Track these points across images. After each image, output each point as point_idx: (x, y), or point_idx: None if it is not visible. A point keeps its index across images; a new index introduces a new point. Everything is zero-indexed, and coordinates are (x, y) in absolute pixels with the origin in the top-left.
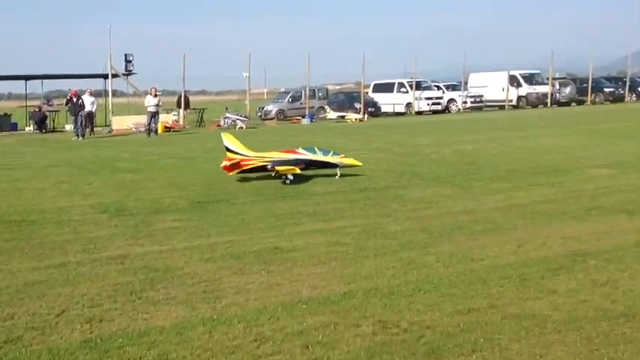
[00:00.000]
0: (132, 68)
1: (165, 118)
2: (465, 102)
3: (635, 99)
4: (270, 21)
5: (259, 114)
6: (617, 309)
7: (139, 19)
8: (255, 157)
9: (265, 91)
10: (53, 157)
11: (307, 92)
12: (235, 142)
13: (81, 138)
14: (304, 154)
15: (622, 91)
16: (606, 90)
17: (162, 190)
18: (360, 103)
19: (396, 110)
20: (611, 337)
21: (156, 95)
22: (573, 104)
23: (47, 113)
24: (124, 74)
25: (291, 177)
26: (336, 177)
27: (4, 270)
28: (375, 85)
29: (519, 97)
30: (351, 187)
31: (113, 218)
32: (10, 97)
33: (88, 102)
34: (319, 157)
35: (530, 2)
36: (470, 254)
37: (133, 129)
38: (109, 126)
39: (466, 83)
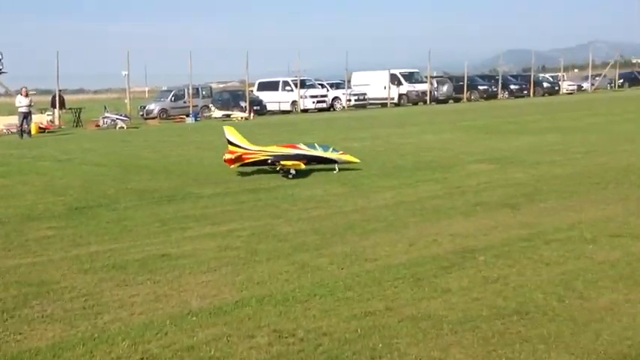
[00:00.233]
0: (1, 67)
1: (39, 119)
2: (349, 100)
3: (507, 96)
4: (151, 18)
5: (141, 113)
6: (509, 306)
7: (6, 11)
8: (257, 151)
9: (147, 89)
10: None
11: (190, 91)
12: (237, 136)
13: None
14: (305, 150)
15: (495, 89)
16: (481, 88)
17: (36, 196)
18: (246, 101)
19: (281, 108)
20: (506, 336)
21: (27, 95)
22: (451, 101)
23: None
24: None
25: (293, 172)
26: (335, 172)
27: None
28: (259, 83)
29: (400, 95)
30: (240, 188)
31: None
32: None
33: None
34: (319, 152)
35: (407, 3)
36: (363, 254)
37: (5, 131)
38: None
39: (349, 82)
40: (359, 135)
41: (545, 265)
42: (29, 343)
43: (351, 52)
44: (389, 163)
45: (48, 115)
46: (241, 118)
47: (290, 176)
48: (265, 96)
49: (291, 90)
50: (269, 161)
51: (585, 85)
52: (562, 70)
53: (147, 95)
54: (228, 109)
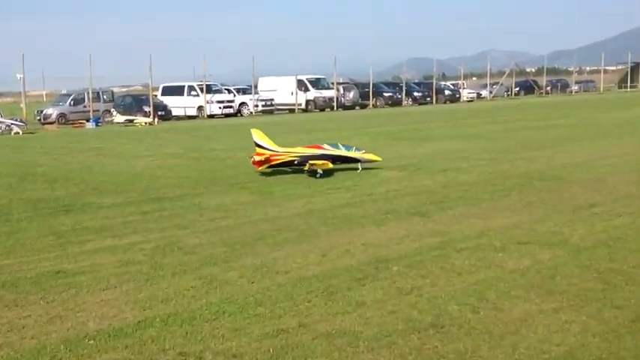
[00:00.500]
0: None
1: None
2: (257, 105)
3: (411, 103)
4: (49, 19)
5: (38, 118)
6: (425, 319)
7: None
8: (283, 153)
9: (44, 93)
10: None
11: (91, 94)
12: (264, 138)
13: None
14: (329, 150)
15: (400, 96)
16: (386, 94)
17: None
18: (149, 106)
19: (187, 114)
20: (423, 352)
21: None
22: (357, 108)
23: None
24: None
25: (320, 171)
26: (358, 171)
27: None
28: (164, 87)
29: (308, 101)
30: (144, 197)
31: None
32: None
33: None
34: (343, 152)
35: (314, 10)
36: (274, 267)
37: None
38: None
39: (256, 87)
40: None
41: (458, 275)
42: None
43: (258, 58)
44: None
45: None
46: (145, 123)
47: (317, 175)
48: (170, 101)
49: (197, 95)
50: (296, 162)
51: (484, 92)
52: (462, 78)
53: (45, 99)
54: (131, 114)
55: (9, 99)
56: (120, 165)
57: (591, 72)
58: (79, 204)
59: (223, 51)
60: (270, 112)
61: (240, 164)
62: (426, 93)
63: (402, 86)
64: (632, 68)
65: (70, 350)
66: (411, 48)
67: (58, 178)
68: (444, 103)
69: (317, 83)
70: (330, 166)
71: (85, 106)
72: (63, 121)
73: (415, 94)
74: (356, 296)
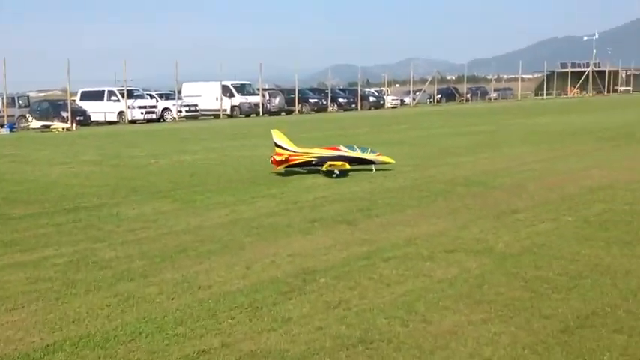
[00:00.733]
0: None
1: None
2: (180, 111)
3: (336, 109)
4: None
5: None
6: (354, 335)
7: None
8: (302, 153)
9: None
10: None
11: (5, 99)
12: (284, 139)
13: None
14: (345, 152)
15: (325, 102)
16: (311, 100)
17: None
18: (67, 111)
19: (107, 119)
20: None
21: None
22: (283, 114)
23: None
24: None
25: (337, 172)
26: (372, 172)
27: None
28: (82, 92)
29: (233, 107)
30: (58, 207)
31: None
32: None
33: None
34: (359, 154)
35: (240, 15)
36: (196, 281)
37: None
38: None
39: (180, 92)
40: (191, 147)
41: (387, 286)
42: None
43: (181, 63)
44: (223, 178)
45: None
46: (62, 129)
47: (334, 176)
48: (89, 106)
49: (118, 100)
50: (313, 162)
51: (407, 99)
52: (386, 84)
53: None
54: (47, 120)
55: None
56: (34, 173)
57: (509, 80)
58: None
59: (146, 55)
60: (195, 117)
61: (162, 171)
62: (351, 99)
63: (327, 92)
64: (547, 76)
65: None
66: (336, 55)
67: None
68: (369, 109)
69: (242, 89)
70: (348, 167)
71: None
72: None
73: (340, 100)
74: (282, 311)
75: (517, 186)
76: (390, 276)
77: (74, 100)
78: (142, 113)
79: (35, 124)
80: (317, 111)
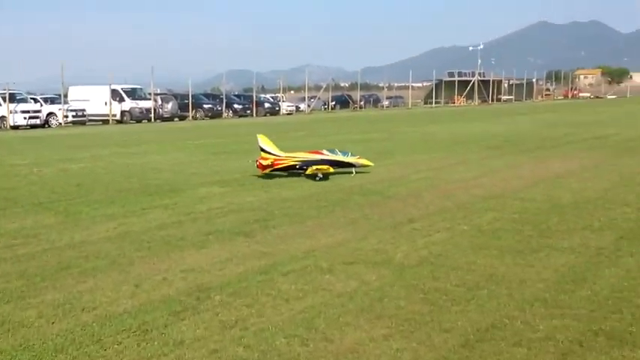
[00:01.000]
0: None
1: None
2: (67, 116)
3: (231, 115)
4: None
5: None
6: (251, 357)
7: None
8: (286, 157)
9: None
10: None
11: None
12: (269, 144)
13: None
14: (328, 155)
15: (220, 108)
16: (206, 106)
17: None
18: None
19: None
20: None
21: None
22: (176, 119)
23: None
24: None
25: (320, 175)
26: (352, 175)
27: None
28: None
29: (123, 112)
30: None
31: None
32: None
33: None
34: (340, 157)
35: (133, 18)
36: (80, 303)
37: None
38: None
39: (66, 96)
40: (77, 155)
41: (285, 302)
42: None
43: (69, 65)
44: (112, 187)
45: None
46: None
47: (317, 179)
48: None
49: None
50: (297, 166)
51: (302, 106)
52: (281, 91)
53: None
54: None
55: None
56: None
57: (399, 88)
58: None
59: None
60: (82, 123)
61: (45, 181)
62: (247, 105)
63: (222, 98)
64: (436, 85)
65: None
66: (230, 60)
67: None
68: (264, 115)
69: (133, 93)
70: (332, 170)
71: None
72: None
73: (235, 106)
74: (174, 334)
75: (413, 195)
76: (288, 291)
77: None
78: (24, 118)
79: None
80: (212, 117)
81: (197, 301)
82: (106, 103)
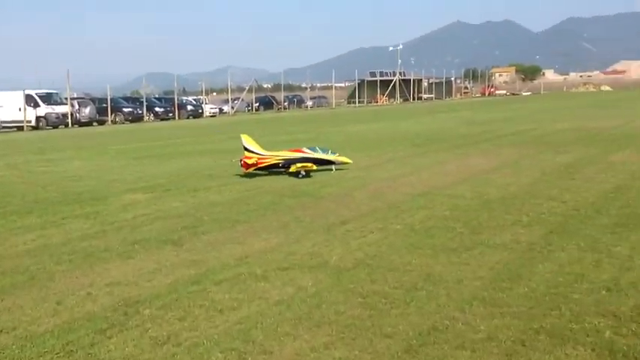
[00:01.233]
0: None
1: None
2: None
3: (153, 119)
4: None
5: None
6: None
7: None
8: (270, 156)
9: None
10: None
11: None
12: (252, 143)
13: None
14: (309, 153)
15: (141, 111)
16: (126, 110)
17: None
18: None
19: None
20: None
21: None
22: (95, 124)
23: None
24: None
25: (303, 172)
26: (332, 172)
27: None
28: None
29: (38, 118)
30: None
31: None
32: None
33: None
34: (321, 155)
35: (40, 17)
36: None
37: None
38: None
39: None
40: None
41: (220, 313)
42: None
43: None
44: (29, 197)
45: None
46: None
47: (300, 176)
48: None
49: None
50: (280, 165)
51: (226, 108)
52: (203, 93)
53: None
54: None
55: None
56: None
57: (322, 88)
58: None
59: None
60: None
61: None
62: (168, 108)
63: (142, 101)
64: (358, 85)
65: None
66: (149, 62)
67: None
68: (187, 118)
69: (49, 98)
70: (315, 167)
71: None
72: None
73: (157, 109)
74: (101, 353)
75: (344, 195)
76: (222, 301)
77: None
78: None
79: None
80: (132, 121)
81: (125, 317)
82: (20, 109)
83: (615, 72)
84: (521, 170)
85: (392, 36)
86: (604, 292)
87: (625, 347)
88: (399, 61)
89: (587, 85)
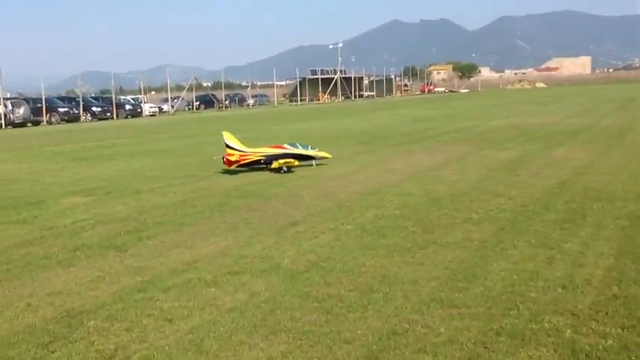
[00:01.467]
0: None
1: None
2: None
3: (90, 119)
4: None
5: None
6: None
7: None
8: (251, 153)
9: None
10: None
11: None
12: (234, 140)
13: None
14: (290, 149)
15: (77, 111)
16: (61, 110)
17: None
18: None
19: None
20: None
21: None
22: (29, 125)
23: None
24: None
25: (285, 168)
26: (313, 167)
27: None
28: None
29: None
30: None
31: None
32: None
33: None
34: (301, 151)
35: None
36: None
37: None
38: None
39: None
40: None
41: (169, 323)
42: None
43: None
44: None
45: None
46: None
47: (282, 172)
48: None
49: None
50: (262, 161)
51: (165, 107)
52: (142, 92)
53: None
54: None
55: None
56: None
57: (263, 86)
58: None
59: None
60: None
61: None
62: (106, 108)
63: (78, 101)
64: (300, 83)
65: None
66: (85, 61)
67: None
68: (126, 117)
69: None
70: (296, 163)
71: None
72: None
73: (94, 109)
74: None
75: (292, 195)
76: (171, 310)
77: None
78: None
79: None
80: (68, 121)
81: (68, 329)
82: None
83: (548, 69)
84: (466, 167)
85: (330, 34)
86: (560, 289)
87: (587, 347)
88: (340, 59)
89: (522, 83)
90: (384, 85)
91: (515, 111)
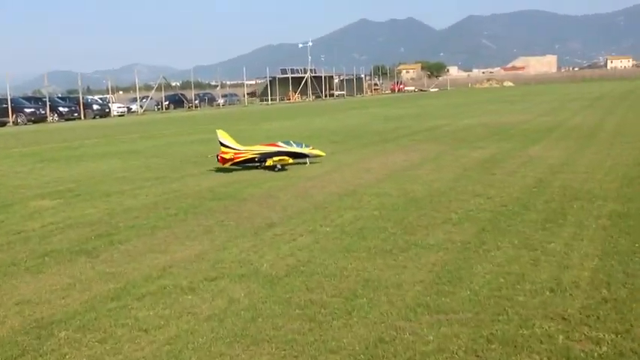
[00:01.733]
0: None
1: None
2: None
3: (57, 119)
4: None
5: None
6: None
7: None
8: (245, 151)
9: None
10: None
11: None
12: (228, 138)
13: None
14: (284, 147)
15: (44, 112)
16: (27, 110)
17: None
18: None
19: None
20: None
21: None
22: None
23: None
24: None
25: (279, 166)
26: (306, 165)
27: None
28: None
29: None
30: None
31: None
32: None
33: None
34: (295, 148)
35: None
36: None
37: None
38: None
39: None
40: None
41: (145, 333)
42: None
43: None
44: None
45: None
46: None
47: (276, 170)
48: None
49: None
50: (256, 159)
51: (134, 106)
52: (109, 91)
53: None
54: None
55: None
56: None
57: (233, 86)
58: None
59: None
60: None
61: None
62: (73, 108)
63: (45, 101)
64: (270, 82)
65: None
66: (51, 61)
67: None
68: (94, 118)
69: None
70: (291, 161)
71: None
72: None
73: (61, 109)
74: None
75: (268, 196)
76: (147, 319)
77: None
78: None
79: None
80: (35, 122)
81: (38, 341)
82: None
83: (515, 68)
84: (442, 166)
85: (299, 33)
86: (548, 292)
87: (582, 354)
88: (309, 58)
89: (490, 81)
90: (354, 84)
91: (486, 109)
